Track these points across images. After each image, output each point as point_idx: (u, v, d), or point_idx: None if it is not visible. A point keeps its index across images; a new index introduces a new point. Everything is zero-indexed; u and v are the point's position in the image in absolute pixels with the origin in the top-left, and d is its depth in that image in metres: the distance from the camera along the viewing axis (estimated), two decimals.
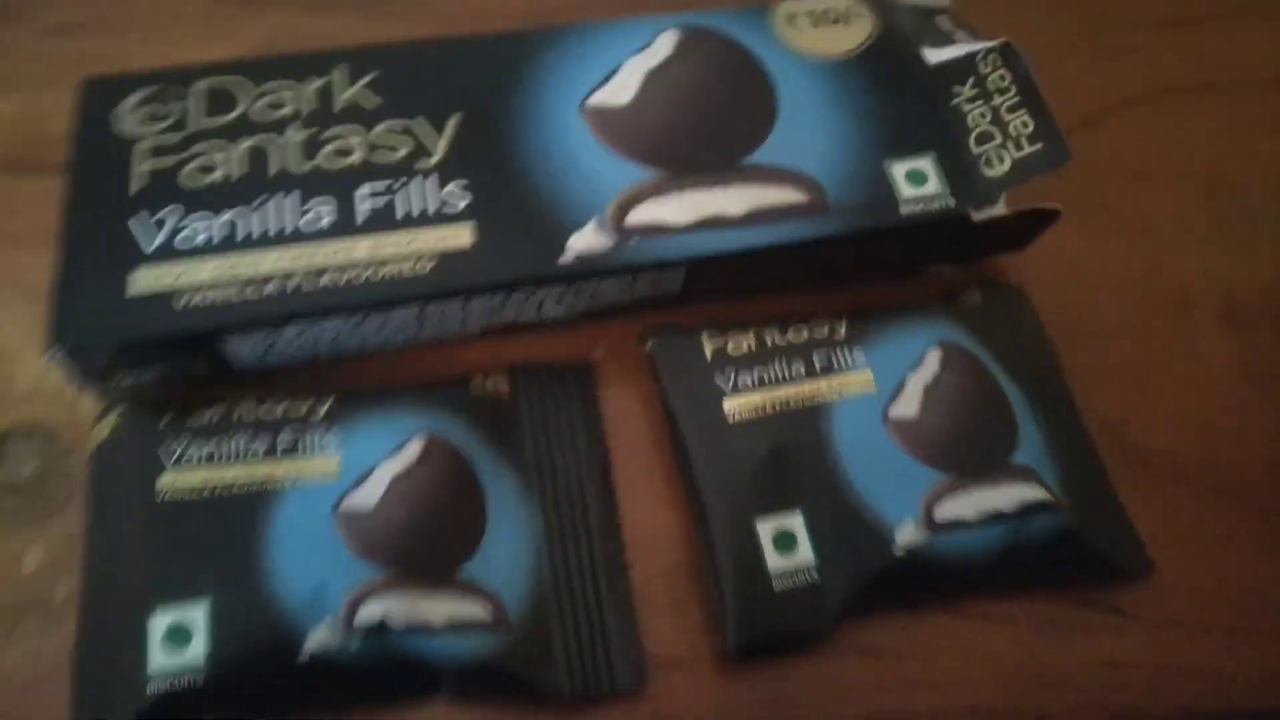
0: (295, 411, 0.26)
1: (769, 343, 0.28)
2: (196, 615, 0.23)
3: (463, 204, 0.27)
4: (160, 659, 0.22)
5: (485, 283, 0.26)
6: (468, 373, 0.28)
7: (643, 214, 0.27)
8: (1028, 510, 0.26)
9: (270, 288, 0.25)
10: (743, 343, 0.28)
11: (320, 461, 0.25)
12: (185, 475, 0.25)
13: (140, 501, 0.24)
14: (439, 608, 0.24)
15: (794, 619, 0.25)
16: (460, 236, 0.27)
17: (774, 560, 0.25)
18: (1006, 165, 0.29)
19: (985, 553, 0.26)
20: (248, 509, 0.24)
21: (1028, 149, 0.28)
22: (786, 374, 0.28)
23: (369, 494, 0.25)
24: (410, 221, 0.27)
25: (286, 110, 0.28)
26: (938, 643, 0.26)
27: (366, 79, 0.29)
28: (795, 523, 0.26)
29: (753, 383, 0.28)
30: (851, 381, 0.28)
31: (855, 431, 0.27)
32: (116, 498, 0.25)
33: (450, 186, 0.27)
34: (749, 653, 0.25)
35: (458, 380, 0.28)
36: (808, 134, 0.29)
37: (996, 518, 0.26)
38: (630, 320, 0.30)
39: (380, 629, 0.23)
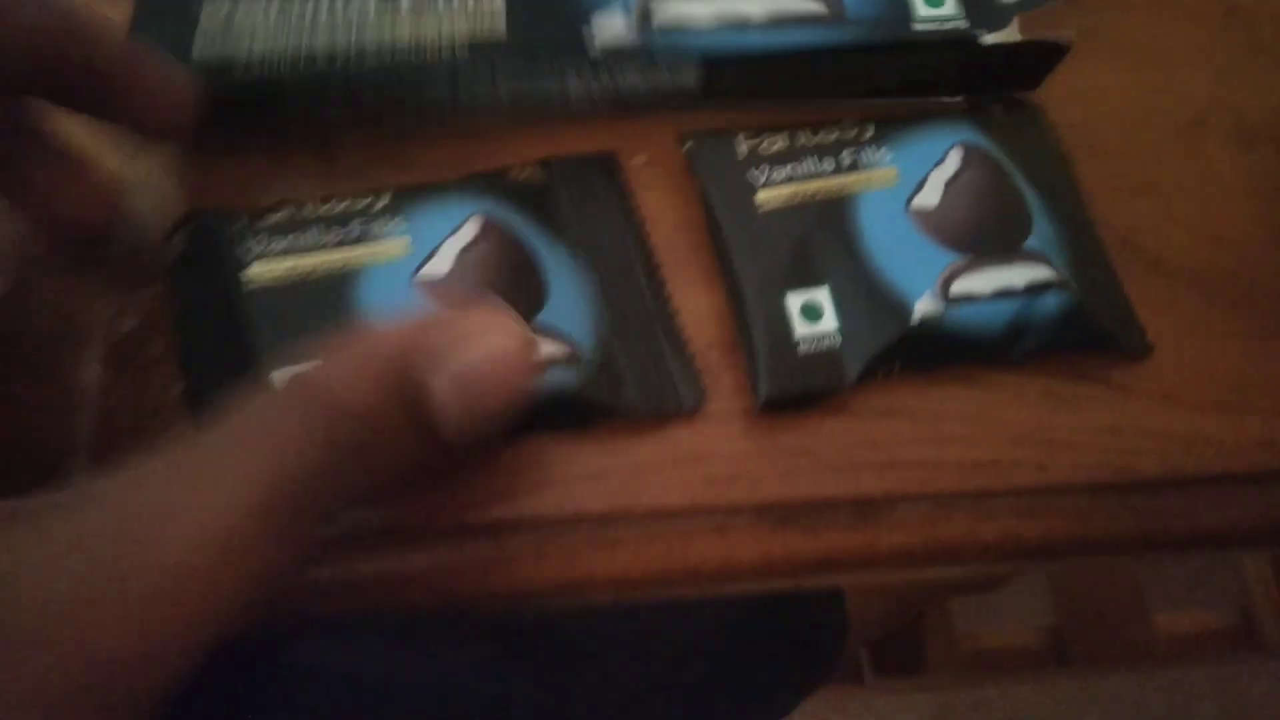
0: (357, 206, 0.29)
1: (799, 143, 0.30)
2: None
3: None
4: None
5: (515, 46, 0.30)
6: (504, 165, 0.31)
7: (667, 11, 0.30)
8: (1037, 288, 0.29)
9: (319, 60, 0.29)
10: (775, 143, 0.31)
11: (392, 244, 0.28)
12: (269, 266, 0.27)
13: (229, 294, 0.27)
14: None
15: (817, 378, 0.28)
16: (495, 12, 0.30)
17: (800, 328, 0.28)
18: None
19: (995, 325, 0.28)
20: (335, 289, 0.27)
21: None
22: (816, 170, 0.30)
23: (439, 265, 0.28)
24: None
25: None
26: (948, 406, 0.29)
27: None
28: (821, 295, 0.28)
29: (784, 177, 0.30)
30: (876, 177, 0.30)
31: (879, 218, 0.29)
32: (204, 296, 0.28)
33: None
34: (776, 407, 0.28)
35: (497, 170, 0.31)
36: None
37: (1007, 293, 0.28)
38: (658, 122, 0.32)
39: None
